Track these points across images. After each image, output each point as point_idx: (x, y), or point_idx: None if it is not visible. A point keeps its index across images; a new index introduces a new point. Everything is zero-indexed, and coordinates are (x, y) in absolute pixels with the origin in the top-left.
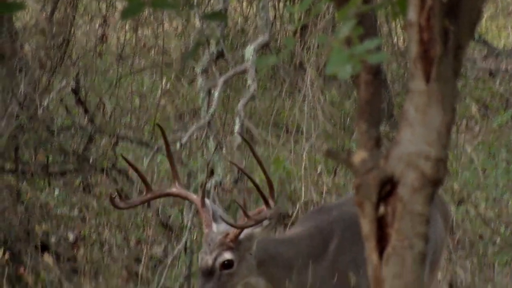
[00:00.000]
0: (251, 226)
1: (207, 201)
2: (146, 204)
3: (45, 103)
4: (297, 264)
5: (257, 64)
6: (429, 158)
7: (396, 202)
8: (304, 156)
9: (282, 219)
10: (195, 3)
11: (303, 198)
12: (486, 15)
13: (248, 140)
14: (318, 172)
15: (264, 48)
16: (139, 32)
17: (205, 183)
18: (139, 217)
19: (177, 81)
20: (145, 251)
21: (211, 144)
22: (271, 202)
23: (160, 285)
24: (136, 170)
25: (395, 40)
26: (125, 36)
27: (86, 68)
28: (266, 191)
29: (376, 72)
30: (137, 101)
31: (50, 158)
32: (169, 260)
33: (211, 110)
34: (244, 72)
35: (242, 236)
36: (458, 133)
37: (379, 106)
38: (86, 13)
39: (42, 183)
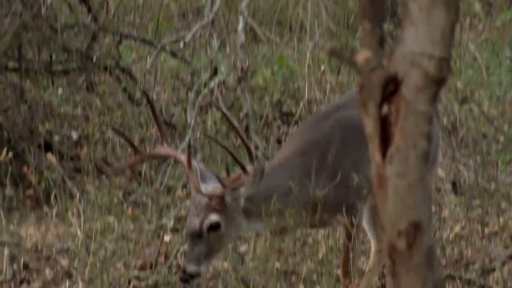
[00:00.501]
0: (236, 187)
1: (194, 162)
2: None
3: (49, 1)
4: (294, 188)
5: None
6: (433, 57)
7: (399, 101)
8: (307, 54)
9: (286, 117)
10: None
11: (306, 97)
12: None
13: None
14: (322, 70)
15: None
16: None
17: (189, 145)
18: (143, 116)
19: None
20: (148, 150)
21: (215, 42)
22: (249, 167)
23: (163, 184)
24: (122, 135)
25: None
26: None
27: None
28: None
29: None
30: None
31: (54, 57)
32: (172, 160)
33: (215, 8)
34: None
35: (227, 196)
36: (461, 31)
37: (383, 4)
38: None
39: (46, 82)
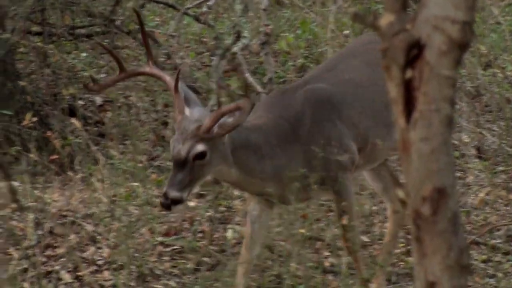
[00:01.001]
0: (224, 114)
1: (180, 85)
2: (172, 69)
3: None
4: (268, 151)
5: None
6: (456, 21)
7: (423, 65)
8: (330, 18)
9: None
10: None
11: None
12: None
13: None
14: (345, 35)
15: None
16: None
17: (178, 70)
18: None
19: None
20: (172, 114)
21: (238, 6)
22: (240, 101)
23: None
24: (110, 52)
25: None
26: None
27: None
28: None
29: None
30: None
31: (77, 21)
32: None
33: None
34: None
35: (215, 126)
36: None
37: None
38: None
39: (69, 46)
